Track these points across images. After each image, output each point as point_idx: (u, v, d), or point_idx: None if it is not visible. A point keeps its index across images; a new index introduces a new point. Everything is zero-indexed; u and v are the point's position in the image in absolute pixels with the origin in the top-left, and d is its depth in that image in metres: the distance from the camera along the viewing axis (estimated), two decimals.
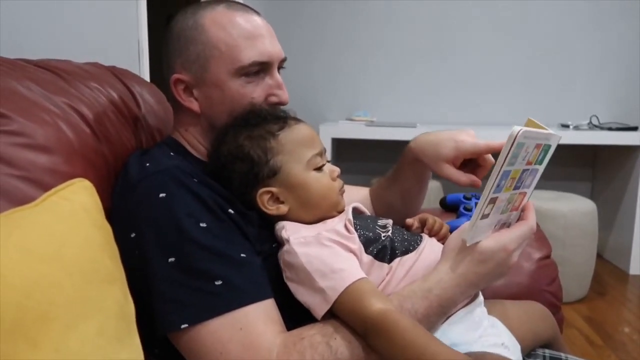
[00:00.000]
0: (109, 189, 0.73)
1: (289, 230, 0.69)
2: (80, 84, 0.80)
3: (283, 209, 0.72)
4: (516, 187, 0.63)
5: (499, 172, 0.56)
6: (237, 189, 0.72)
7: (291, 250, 0.66)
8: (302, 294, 0.65)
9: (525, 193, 0.67)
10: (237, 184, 0.72)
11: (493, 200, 0.59)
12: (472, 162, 0.79)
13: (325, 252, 0.65)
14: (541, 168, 0.66)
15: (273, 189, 0.72)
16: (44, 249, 0.40)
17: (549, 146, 0.63)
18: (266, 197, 0.72)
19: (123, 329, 0.46)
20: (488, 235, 0.65)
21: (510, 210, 0.66)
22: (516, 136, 0.54)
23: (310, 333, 0.61)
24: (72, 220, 0.46)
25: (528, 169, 0.62)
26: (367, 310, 0.59)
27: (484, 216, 0.60)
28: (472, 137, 0.77)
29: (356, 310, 0.60)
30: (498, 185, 0.58)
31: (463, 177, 0.76)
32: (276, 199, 0.72)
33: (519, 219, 0.69)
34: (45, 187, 0.56)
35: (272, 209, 0.72)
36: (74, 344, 0.38)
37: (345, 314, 0.61)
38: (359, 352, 0.60)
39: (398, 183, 0.92)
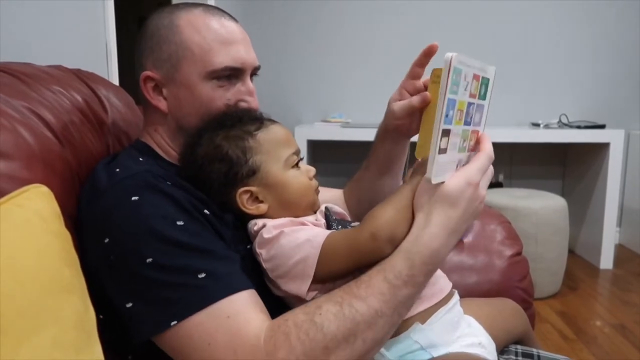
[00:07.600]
0: (72, 195, 0.71)
1: (262, 220, 0.71)
2: (42, 88, 0.77)
3: (263, 207, 0.72)
4: (466, 123, 0.63)
5: (444, 99, 0.57)
6: (215, 190, 0.71)
7: (269, 228, 0.68)
8: (284, 271, 0.65)
9: (478, 131, 0.68)
10: (216, 185, 0.71)
11: (447, 133, 0.59)
12: None
13: (301, 226, 0.68)
14: (486, 104, 0.69)
15: (252, 189, 0.71)
16: None
17: (487, 79, 0.66)
18: (245, 196, 0.72)
19: (82, 339, 0.44)
20: (452, 175, 0.64)
21: (468, 151, 0.67)
22: (451, 60, 0.56)
23: (293, 314, 0.60)
24: (26, 227, 0.44)
25: (473, 103, 0.64)
26: (360, 235, 0.63)
27: (442, 150, 0.59)
28: None
29: (349, 238, 0.63)
30: (447, 115, 0.58)
31: (414, 97, 0.74)
32: (255, 199, 0.72)
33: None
34: (2, 194, 0.54)
35: (251, 208, 0.72)
36: (26, 357, 0.36)
37: (336, 249, 0.63)
38: (345, 324, 0.58)
39: (375, 155, 0.91)
